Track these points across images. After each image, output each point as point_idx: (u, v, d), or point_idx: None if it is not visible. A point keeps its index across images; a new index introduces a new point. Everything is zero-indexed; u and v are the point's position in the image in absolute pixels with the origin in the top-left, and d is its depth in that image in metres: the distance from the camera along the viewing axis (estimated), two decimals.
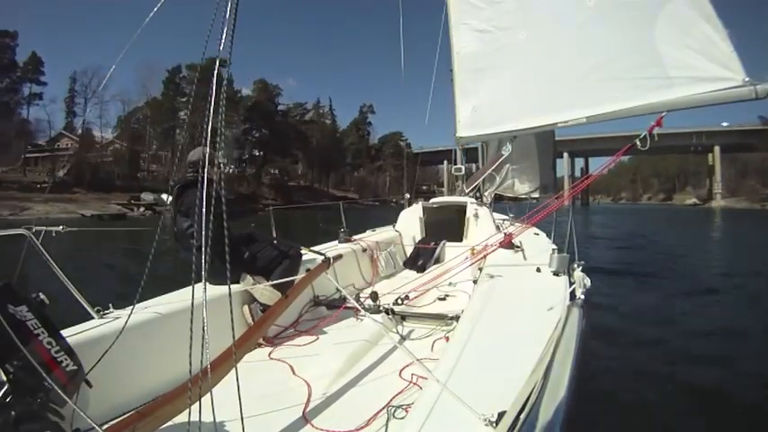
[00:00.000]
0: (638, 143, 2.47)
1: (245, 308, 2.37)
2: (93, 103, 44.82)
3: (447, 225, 4.47)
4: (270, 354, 2.18)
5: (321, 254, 2.86)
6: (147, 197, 34.51)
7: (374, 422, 1.49)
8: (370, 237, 4.18)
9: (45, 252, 1.63)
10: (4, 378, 1.00)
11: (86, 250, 10.40)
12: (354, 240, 3.89)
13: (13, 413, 0.98)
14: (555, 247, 2.59)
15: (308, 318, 2.71)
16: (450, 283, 3.05)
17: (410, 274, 3.82)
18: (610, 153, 2.61)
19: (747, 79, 2.36)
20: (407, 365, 1.87)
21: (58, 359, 1.14)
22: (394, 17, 6.50)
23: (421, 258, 4.09)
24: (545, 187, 5.79)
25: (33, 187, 34.69)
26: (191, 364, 1.02)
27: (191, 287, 1.03)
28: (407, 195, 5.86)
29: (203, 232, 0.99)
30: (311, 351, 2.20)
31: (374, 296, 2.70)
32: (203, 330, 0.97)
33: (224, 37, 1.06)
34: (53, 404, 1.05)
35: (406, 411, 1.47)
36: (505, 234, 3.01)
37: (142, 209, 32.84)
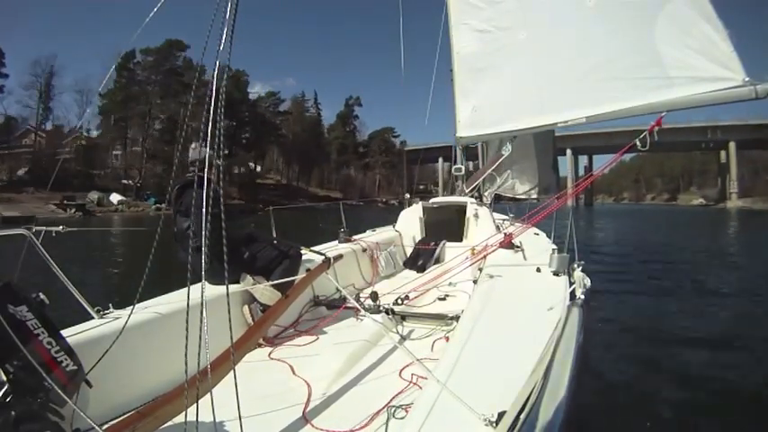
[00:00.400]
0: (637, 143, 2.47)
1: (245, 308, 2.37)
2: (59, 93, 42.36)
3: (447, 225, 4.47)
4: (270, 354, 2.18)
5: (321, 254, 2.86)
6: (93, 196, 33.00)
7: (374, 422, 1.49)
8: (370, 237, 4.18)
9: (45, 252, 1.63)
10: (4, 378, 1.00)
11: (85, 250, 10.40)
12: (354, 240, 3.89)
13: (13, 413, 0.98)
14: (555, 247, 2.59)
15: (308, 318, 2.71)
16: (450, 283, 3.05)
17: (410, 274, 3.82)
18: (614, 150, 2.58)
19: (747, 79, 2.36)
20: (407, 365, 1.87)
21: (58, 359, 1.14)
22: (394, 17, 6.50)
23: (421, 258, 4.09)
24: (545, 188, 5.79)
25: None
26: (187, 364, 1.02)
27: (190, 287, 1.03)
28: (407, 195, 5.85)
29: (203, 232, 0.99)
30: (311, 351, 2.20)
31: (374, 296, 2.70)
32: (202, 330, 0.97)
33: (224, 37, 1.06)
34: (53, 404, 1.05)
35: (406, 411, 1.47)
36: (505, 234, 3.01)
37: (73, 210, 29.60)
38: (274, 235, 3.11)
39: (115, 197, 35.10)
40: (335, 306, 2.73)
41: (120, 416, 1.41)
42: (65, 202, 30.46)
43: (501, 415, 0.92)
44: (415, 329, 2.44)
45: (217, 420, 1.05)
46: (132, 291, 1.60)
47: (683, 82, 2.63)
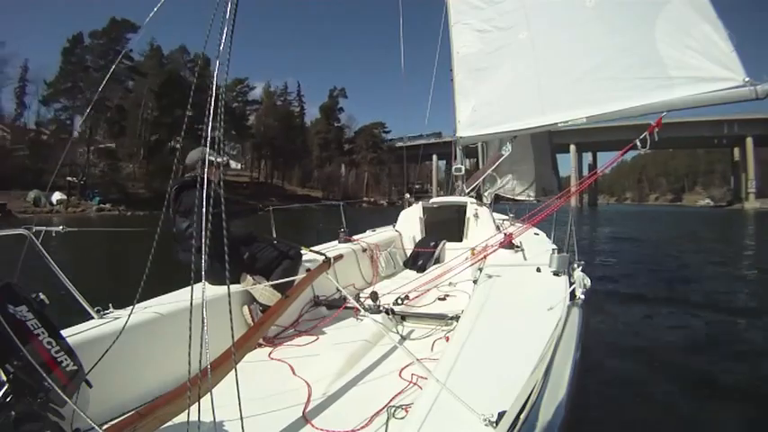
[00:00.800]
0: (638, 143, 2.47)
1: (245, 308, 2.37)
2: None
3: (447, 225, 4.47)
4: (270, 354, 2.18)
5: (321, 254, 2.86)
6: (32, 195, 30.68)
7: (374, 422, 1.49)
8: (370, 237, 4.18)
9: (45, 252, 1.63)
10: (4, 378, 1.00)
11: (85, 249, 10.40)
12: (354, 240, 3.89)
13: (13, 413, 0.98)
14: (555, 247, 2.59)
15: (308, 318, 2.71)
16: (450, 283, 3.05)
17: (410, 274, 3.82)
18: (619, 145, 2.56)
19: (747, 79, 2.36)
20: (407, 365, 1.87)
21: (58, 359, 1.14)
22: (394, 17, 6.50)
23: (421, 258, 4.09)
24: (545, 190, 5.78)
25: None
26: (190, 364, 1.02)
27: (190, 287, 1.03)
28: (407, 195, 5.86)
29: (203, 233, 0.99)
30: (311, 351, 2.20)
31: (374, 296, 2.70)
32: (203, 330, 0.97)
33: (224, 38, 1.06)
34: (53, 404, 1.05)
35: (406, 411, 1.47)
36: (505, 234, 3.01)
37: None
38: (274, 235, 3.11)
39: (57, 196, 32.46)
40: (335, 306, 2.73)
41: (120, 416, 1.41)
42: None
43: (501, 415, 0.92)
44: (415, 329, 2.44)
45: (217, 420, 1.05)
46: (132, 291, 1.60)
47: (682, 82, 2.63)
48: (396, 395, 1.65)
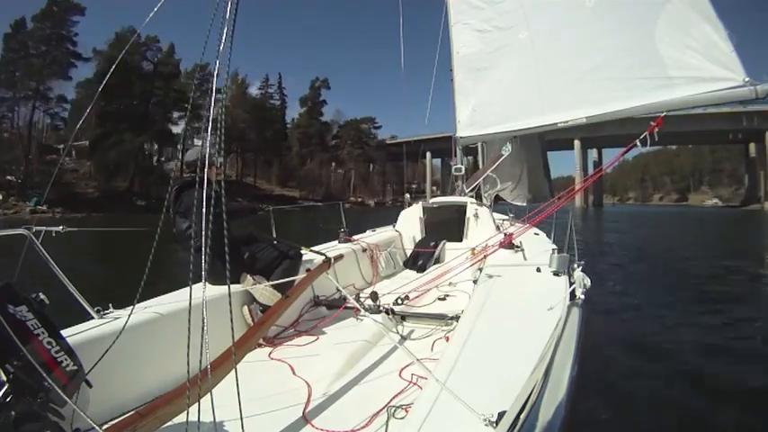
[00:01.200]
0: (638, 143, 2.47)
1: (245, 308, 2.37)
2: None
3: (447, 225, 4.47)
4: (270, 354, 2.18)
5: (321, 254, 2.86)
6: None
7: (374, 422, 1.49)
8: (370, 237, 4.18)
9: (45, 252, 1.63)
10: (4, 378, 1.00)
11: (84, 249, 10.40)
12: (354, 240, 3.89)
13: (13, 413, 0.98)
14: (555, 247, 2.59)
15: (308, 318, 2.71)
16: (450, 283, 3.05)
17: (410, 274, 3.82)
18: (627, 140, 2.52)
19: (747, 79, 2.36)
20: (407, 365, 1.87)
21: (58, 359, 1.14)
22: (394, 17, 6.50)
23: (421, 258, 4.08)
24: (535, 196, 5.77)
25: None
26: (189, 364, 1.02)
27: (191, 287, 1.03)
28: (407, 195, 5.85)
29: (203, 233, 0.99)
30: (311, 351, 2.20)
31: (374, 296, 2.70)
32: (203, 331, 0.97)
33: (224, 38, 1.06)
34: (53, 404, 1.05)
35: (406, 411, 1.47)
36: (505, 234, 3.01)
37: None
38: (274, 235, 3.11)
39: None
40: (335, 306, 2.73)
41: (120, 416, 1.41)
42: None
43: (501, 415, 0.92)
44: (415, 329, 2.44)
45: (217, 420, 1.05)
46: (132, 291, 1.60)
47: (682, 82, 2.63)
48: (396, 395, 1.65)
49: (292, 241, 2.79)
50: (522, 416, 0.87)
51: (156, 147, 45.06)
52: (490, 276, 2.25)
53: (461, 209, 4.49)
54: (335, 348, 2.10)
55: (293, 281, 2.37)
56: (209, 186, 2.65)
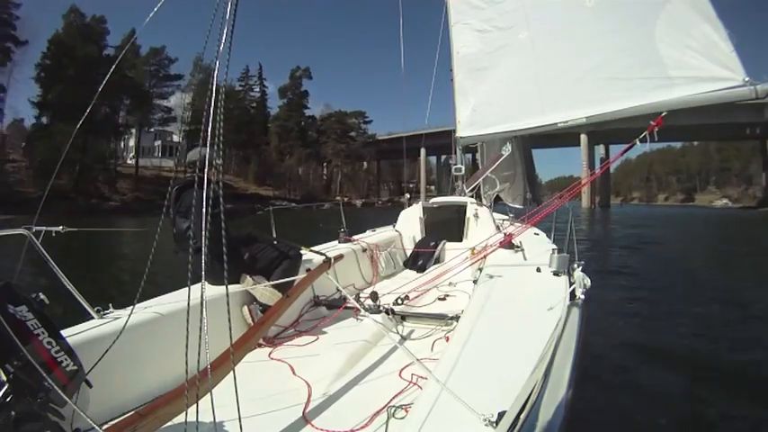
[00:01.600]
0: (637, 142, 2.47)
1: (245, 308, 2.37)
2: None
3: (447, 225, 4.47)
4: (270, 354, 2.18)
5: (321, 254, 2.86)
6: None
7: (374, 422, 1.49)
8: (370, 237, 4.18)
9: (45, 252, 1.63)
10: (4, 378, 1.00)
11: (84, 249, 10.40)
12: (354, 240, 3.89)
13: (13, 413, 0.98)
14: (555, 247, 2.59)
15: (308, 318, 2.71)
16: (450, 283, 3.05)
17: (410, 274, 3.82)
18: (637, 133, 2.50)
19: (747, 79, 2.36)
20: (407, 365, 1.87)
21: (58, 359, 1.14)
22: (394, 17, 6.49)
23: (421, 258, 4.09)
24: (516, 199, 5.77)
25: None
26: (187, 364, 1.02)
27: (190, 288, 1.03)
28: (407, 196, 5.85)
29: (203, 233, 0.99)
30: (311, 351, 2.20)
31: (374, 296, 2.70)
32: (202, 331, 0.97)
33: (224, 38, 1.06)
34: (53, 404, 1.05)
35: (406, 411, 1.47)
36: (505, 234, 3.01)
37: None
38: (275, 235, 3.11)
39: None
40: (335, 306, 2.73)
41: (120, 416, 1.41)
42: None
43: (501, 415, 0.92)
44: (415, 329, 2.44)
45: (217, 421, 1.05)
46: (132, 291, 1.60)
47: (682, 82, 2.63)
48: (396, 395, 1.65)
49: (292, 241, 2.79)
50: (522, 416, 0.87)
51: (113, 143, 41.21)
52: (490, 276, 2.25)
53: (461, 209, 4.49)
54: (335, 348, 2.10)
55: (293, 281, 2.37)
56: (208, 186, 2.65)
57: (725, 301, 5.72)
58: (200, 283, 1.02)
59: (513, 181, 5.71)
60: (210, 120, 1.04)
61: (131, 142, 48.09)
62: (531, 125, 3.77)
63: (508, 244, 2.85)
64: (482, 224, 4.23)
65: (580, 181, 2.66)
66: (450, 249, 4.00)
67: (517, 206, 5.68)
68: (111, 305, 1.83)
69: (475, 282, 2.46)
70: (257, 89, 54.67)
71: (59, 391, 1.04)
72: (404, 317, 2.54)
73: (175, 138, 49.72)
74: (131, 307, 1.64)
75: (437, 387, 1.10)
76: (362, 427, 1.47)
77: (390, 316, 2.47)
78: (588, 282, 1.74)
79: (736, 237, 17.11)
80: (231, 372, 1.05)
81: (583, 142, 44.94)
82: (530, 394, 0.92)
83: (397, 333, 2.38)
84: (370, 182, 62.73)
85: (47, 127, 35.67)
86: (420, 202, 4.80)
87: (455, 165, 5.25)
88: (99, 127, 36.52)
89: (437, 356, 1.67)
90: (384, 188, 65.14)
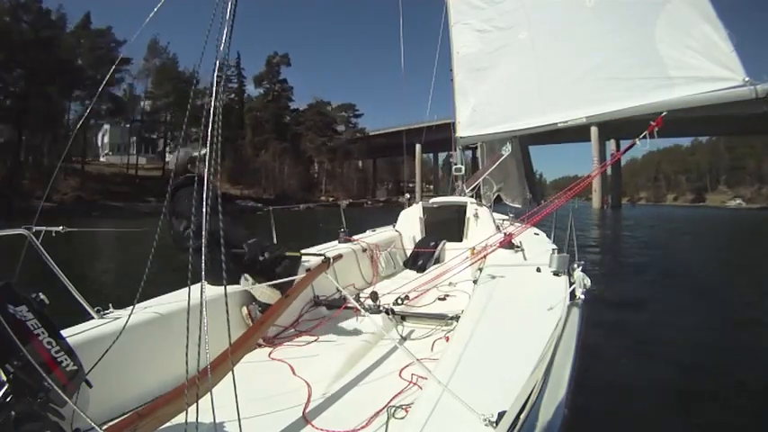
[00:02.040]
0: (637, 142, 2.47)
1: (245, 308, 2.37)
2: None
3: (447, 225, 4.47)
4: (270, 354, 2.18)
5: (321, 254, 2.86)
6: None
7: (374, 422, 1.49)
8: (370, 237, 4.18)
9: (45, 252, 1.63)
10: (4, 378, 1.00)
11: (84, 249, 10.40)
12: (354, 240, 3.89)
13: (13, 413, 0.98)
14: (555, 247, 2.59)
15: (308, 318, 2.71)
16: (450, 283, 3.05)
17: (410, 274, 3.82)
18: (646, 124, 2.46)
19: (747, 79, 2.36)
20: (407, 365, 1.87)
21: (58, 359, 1.14)
22: (394, 17, 6.48)
23: (421, 258, 4.09)
24: (515, 199, 5.76)
25: None
26: (187, 364, 1.02)
27: (190, 287, 1.03)
28: (407, 195, 5.85)
29: (202, 233, 0.99)
30: (311, 351, 2.20)
31: (374, 296, 2.70)
32: (201, 331, 0.97)
33: (224, 37, 1.06)
34: (53, 404, 1.05)
35: (406, 411, 1.47)
36: (505, 234, 3.01)
37: None
38: (274, 235, 3.11)
39: None
40: (335, 306, 2.73)
41: (120, 416, 1.41)
42: None
43: (501, 415, 0.92)
44: (415, 329, 2.44)
45: (217, 421, 1.05)
46: (132, 291, 1.60)
47: (682, 82, 2.63)
48: (396, 395, 1.65)
49: (291, 241, 2.79)
50: (522, 416, 0.87)
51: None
52: (490, 276, 2.25)
53: (461, 209, 4.49)
54: (335, 348, 2.10)
55: (293, 281, 2.37)
56: (207, 185, 2.64)
57: None
58: (199, 283, 1.02)
59: (513, 181, 5.71)
60: (210, 121, 1.04)
61: (107, 138, 45.45)
62: (531, 125, 3.77)
63: (508, 244, 2.85)
64: (482, 224, 4.23)
65: (580, 180, 2.65)
66: (450, 249, 3.99)
67: (517, 206, 5.68)
68: (111, 305, 1.83)
69: (475, 282, 2.46)
70: (235, 80, 48.71)
71: (59, 391, 1.04)
72: (404, 317, 2.54)
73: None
74: (131, 307, 1.64)
75: (437, 387, 1.10)
76: (362, 427, 1.47)
77: (390, 316, 2.47)
78: (588, 282, 1.74)
79: None
80: (231, 372, 1.05)
81: (593, 137, 42.51)
82: (530, 394, 0.92)
83: (397, 333, 2.38)
84: (360, 180, 57.89)
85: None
86: (420, 202, 4.79)
87: (455, 165, 5.25)
88: (36, 118, 32.53)
89: (437, 356, 1.67)
90: (382, 188, 62.89)
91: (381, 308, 2.51)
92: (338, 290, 2.11)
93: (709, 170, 72.25)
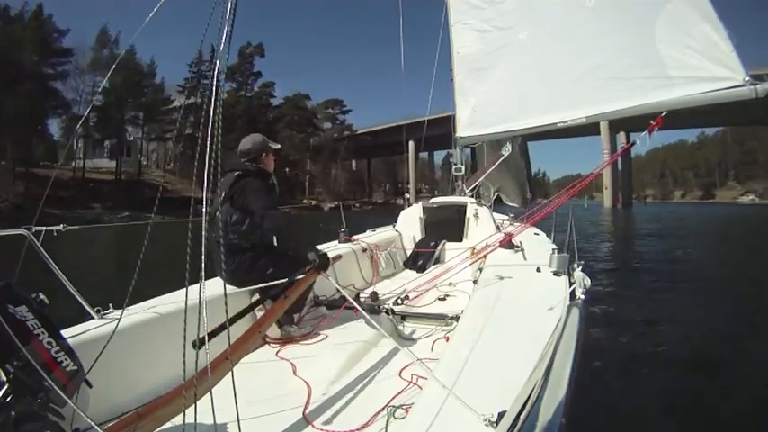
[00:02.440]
0: (638, 142, 2.47)
1: (255, 297, 2.35)
2: None
3: (447, 225, 4.47)
4: (269, 354, 2.18)
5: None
6: None
7: (374, 422, 1.49)
8: (370, 237, 4.18)
9: (45, 252, 1.63)
10: (4, 378, 1.00)
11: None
12: (354, 240, 3.89)
13: (13, 413, 0.98)
14: (555, 247, 2.59)
15: (308, 318, 2.71)
16: (450, 283, 3.05)
17: (410, 274, 3.82)
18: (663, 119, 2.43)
19: (747, 79, 2.36)
20: (407, 365, 1.87)
21: (58, 359, 1.14)
22: (394, 17, 6.48)
23: (421, 258, 4.09)
24: (514, 199, 5.75)
25: None
26: (185, 364, 1.02)
27: (196, 285, 1.03)
28: (407, 195, 5.85)
29: (221, 229, 0.99)
30: (311, 351, 2.20)
31: (374, 296, 2.70)
32: (200, 330, 0.97)
33: (224, 37, 1.06)
34: (53, 404, 1.05)
35: (406, 411, 1.47)
36: (505, 234, 3.01)
37: None
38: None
39: None
40: (335, 306, 2.73)
41: (120, 416, 1.41)
42: None
43: (501, 415, 0.92)
44: (415, 329, 2.44)
45: (217, 421, 1.05)
46: (134, 290, 1.60)
47: (682, 82, 2.63)
48: (396, 395, 1.65)
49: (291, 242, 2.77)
50: (522, 416, 0.87)
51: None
52: (490, 276, 2.25)
53: (461, 209, 4.49)
54: (335, 348, 2.10)
55: (293, 281, 2.36)
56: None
57: None
58: (197, 284, 1.02)
59: (512, 180, 5.71)
60: (211, 121, 1.04)
61: (106, 143, 40.99)
62: (531, 125, 3.77)
63: (508, 244, 2.85)
64: (482, 224, 4.23)
65: (582, 179, 2.64)
66: (450, 249, 4.00)
67: (516, 205, 5.68)
68: (111, 305, 1.83)
69: (475, 282, 2.47)
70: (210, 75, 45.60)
71: (59, 391, 1.04)
72: (404, 317, 2.54)
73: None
74: (125, 306, 1.64)
75: (437, 387, 1.10)
76: (362, 427, 1.47)
77: (390, 316, 2.47)
78: (588, 282, 1.74)
79: None
80: (230, 372, 1.05)
81: (603, 130, 39.25)
82: (530, 394, 0.92)
83: (397, 333, 2.38)
84: (355, 182, 54.73)
85: None
86: (420, 202, 4.79)
87: (455, 165, 5.25)
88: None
89: (437, 356, 1.67)
90: (379, 190, 61.03)
91: (381, 308, 2.51)
92: (338, 290, 2.11)
93: (717, 165, 69.56)
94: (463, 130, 4.57)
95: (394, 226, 4.73)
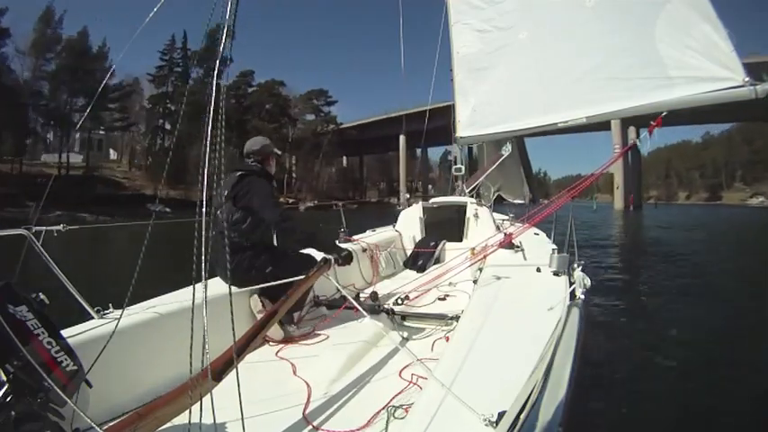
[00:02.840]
0: (638, 142, 2.47)
1: (254, 297, 2.36)
2: None
3: (447, 225, 4.47)
4: (269, 354, 2.18)
5: (321, 254, 2.85)
6: None
7: (374, 422, 1.49)
8: (370, 237, 4.18)
9: (45, 252, 1.63)
10: (4, 378, 1.00)
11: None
12: (354, 240, 3.89)
13: (13, 413, 0.98)
14: (555, 247, 2.59)
15: (308, 318, 2.71)
16: (450, 283, 3.05)
17: (410, 274, 3.82)
18: (669, 113, 2.44)
19: (747, 79, 2.36)
20: (407, 365, 1.87)
21: (58, 359, 1.14)
22: (394, 17, 6.49)
23: (421, 258, 4.09)
24: (515, 197, 5.74)
25: None
26: (191, 364, 1.02)
27: (195, 286, 1.03)
28: (407, 195, 5.86)
29: (225, 230, 0.99)
30: (311, 351, 2.20)
31: (374, 296, 2.70)
32: (197, 330, 0.97)
33: (224, 37, 1.06)
34: (53, 404, 1.05)
35: (406, 411, 1.47)
36: (505, 234, 3.01)
37: None
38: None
39: None
40: (335, 306, 2.73)
41: (120, 416, 1.40)
42: None
43: (501, 415, 0.92)
44: (415, 329, 2.44)
45: (217, 421, 1.05)
46: (134, 290, 1.60)
47: (682, 82, 2.63)
48: (396, 395, 1.65)
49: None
50: (522, 416, 0.87)
51: None
52: (490, 276, 2.25)
53: (461, 209, 4.49)
54: (336, 348, 2.10)
55: (293, 281, 2.36)
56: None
57: None
58: (200, 283, 1.02)
59: (512, 179, 5.71)
60: (211, 121, 1.03)
61: (77, 135, 37.60)
62: (531, 125, 3.77)
63: (508, 244, 2.85)
64: (482, 224, 4.23)
65: (583, 179, 2.64)
66: (451, 249, 4.00)
67: (519, 201, 5.67)
68: (111, 305, 1.83)
69: (475, 282, 2.46)
70: (181, 63, 40.51)
71: (59, 391, 1.04)
72: (404, 317, 2.54)
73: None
74: (125, 306, 1.64)
75: (437, 387, 1.10)
76: (362, 427, 1.47)
77: (390, 316, 2.47)
78: (588, 282, 1.74)
79: None
80: (232, 372, 1.05)
81: (614, 124, 37.31)
82: (530, 394, 0.92)
83: (398, 333, 2.38)
84: (346, 180, 51.76)
85: None
86: (420, 202, 4.79)
87: (455, 165, 5.25)
88: None
89: (437, 356, 1.67)
90: (374, 188, 59.44)
91: (381, 308, 2.51)
92: (338, 290, 2.11)
93: (724, 165, 67.04)
94: (463, 130, 4.57)
95: (394, 226, 4.73)
